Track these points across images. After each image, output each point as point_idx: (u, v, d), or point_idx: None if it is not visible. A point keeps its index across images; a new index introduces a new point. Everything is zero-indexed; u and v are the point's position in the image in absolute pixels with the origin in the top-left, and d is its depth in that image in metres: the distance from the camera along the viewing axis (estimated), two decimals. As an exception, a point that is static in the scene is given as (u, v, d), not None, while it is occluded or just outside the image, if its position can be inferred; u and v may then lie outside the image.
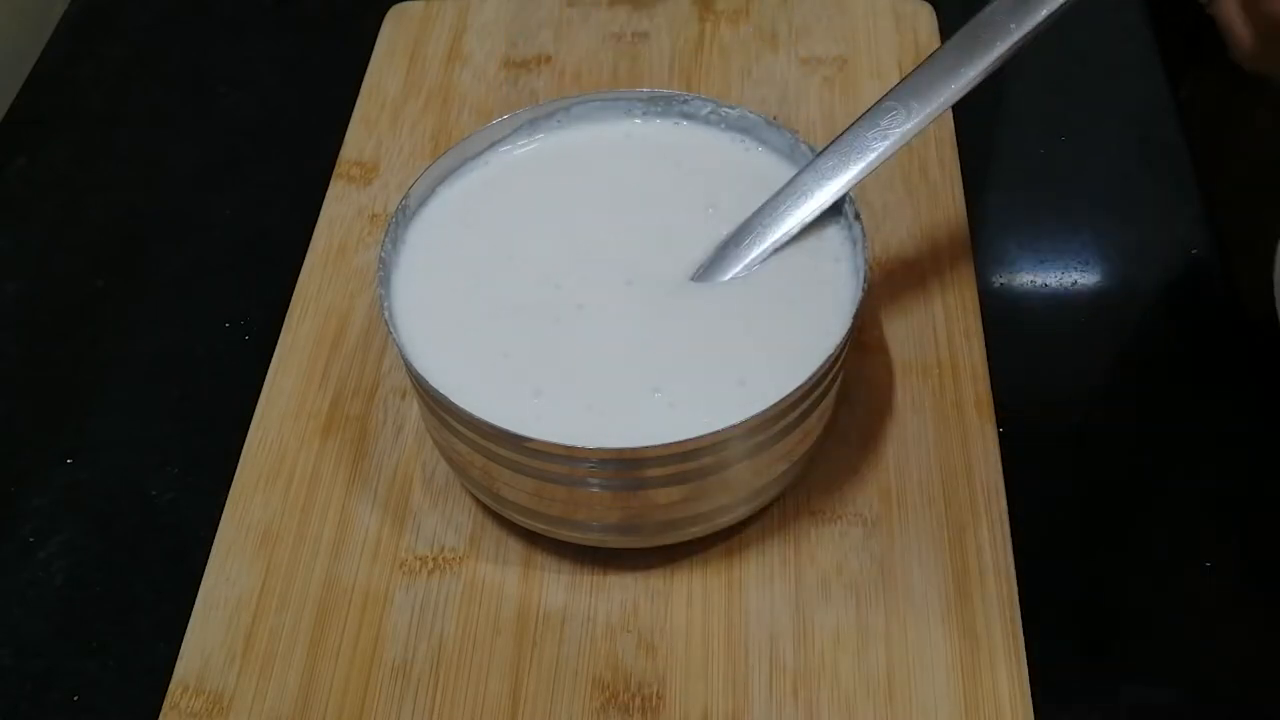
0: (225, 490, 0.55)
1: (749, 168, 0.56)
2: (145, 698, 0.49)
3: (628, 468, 0.47)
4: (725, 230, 0.53)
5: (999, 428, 0.54)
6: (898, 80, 0.66)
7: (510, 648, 0.50)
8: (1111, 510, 0.54)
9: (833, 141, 0.52)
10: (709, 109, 0.56)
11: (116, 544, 0.55)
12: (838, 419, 0.54)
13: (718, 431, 0.45)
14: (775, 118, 0.55)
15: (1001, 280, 0.62)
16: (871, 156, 0.51)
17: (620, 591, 0.51)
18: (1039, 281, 0.62)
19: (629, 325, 0.51)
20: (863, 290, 0.48)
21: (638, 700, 0.48)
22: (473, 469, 0.50)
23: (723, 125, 0.57)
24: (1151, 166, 0.66)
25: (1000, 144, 0.67)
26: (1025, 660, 0.48)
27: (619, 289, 0.52)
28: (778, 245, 0.52)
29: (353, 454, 0.55)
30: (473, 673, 0.49)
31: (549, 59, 0.71)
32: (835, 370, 0.49)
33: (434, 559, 0.52)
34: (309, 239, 0.63)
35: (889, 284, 0.59)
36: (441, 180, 0.55)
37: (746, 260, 0.52)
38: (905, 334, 0.58)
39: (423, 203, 0.54)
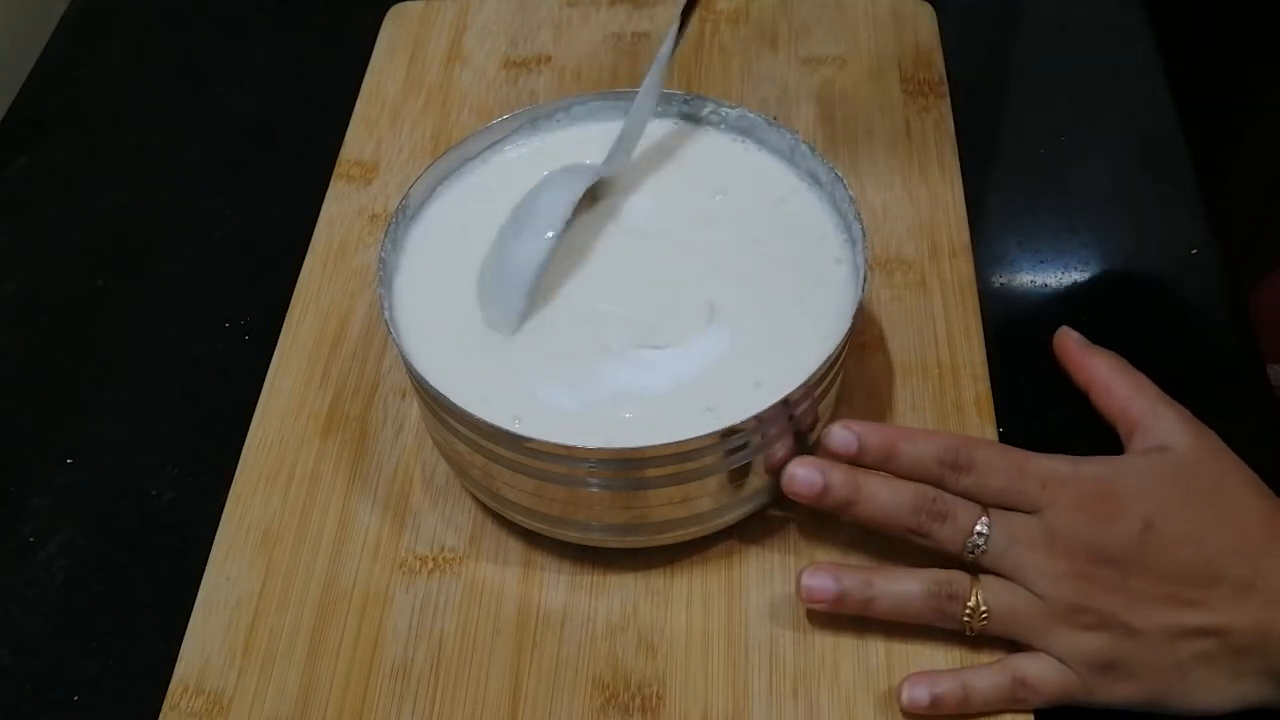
0: (225, 490, 0.55)
1: (749, 168, 0.56)
2: (145, 698, 0.49)
3: (627, 468, 0.47)
4: (724, 232, 0.53)
5: (999, 428, 0.54)
6: (898, 80, 0.67)
7: (510, 648, 0.50)
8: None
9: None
10: (709, 109, 0.56)
11: (116, 544, 0.55)
12: (838, 418, 0.54)
13: (717, 431, 0.45)
14: (775, 118, 0.55)
15: (1001, 280, 0.62)
16: None
17: (620, 591, 0.51)
18: (1039, 281, 0.62)
19: (628, 321, 0.51)
20: (863, 290, 0.48)
21: (638, 700, 0.48)
22: (473, 469, 0.50)
23: (723, 125, 0.57)
24: (1151, 166, 0.66)
25: (1000, 144, 0.67)
26: (1025, 660, 0.48)
27: (617, 287, 0.52)
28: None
29: (353, 454, 0.55)
30: (473, 673, 0.49)
31: (549, 59, 0.71)
32: (835, 370, 0.49)
33: (434, 559, 0.52)
34: (309, 239, 0.63)
35: (889, 284, 0.59)
36: (441, 180, 0.55)
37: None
38: (905, 334, 0.58)
39: (423, 203, 0.54)
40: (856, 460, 0.48)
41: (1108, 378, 0.50)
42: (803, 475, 0.48)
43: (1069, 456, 0.48)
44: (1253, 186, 0.87)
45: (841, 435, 0.48)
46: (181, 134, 0.72)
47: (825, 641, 0.49)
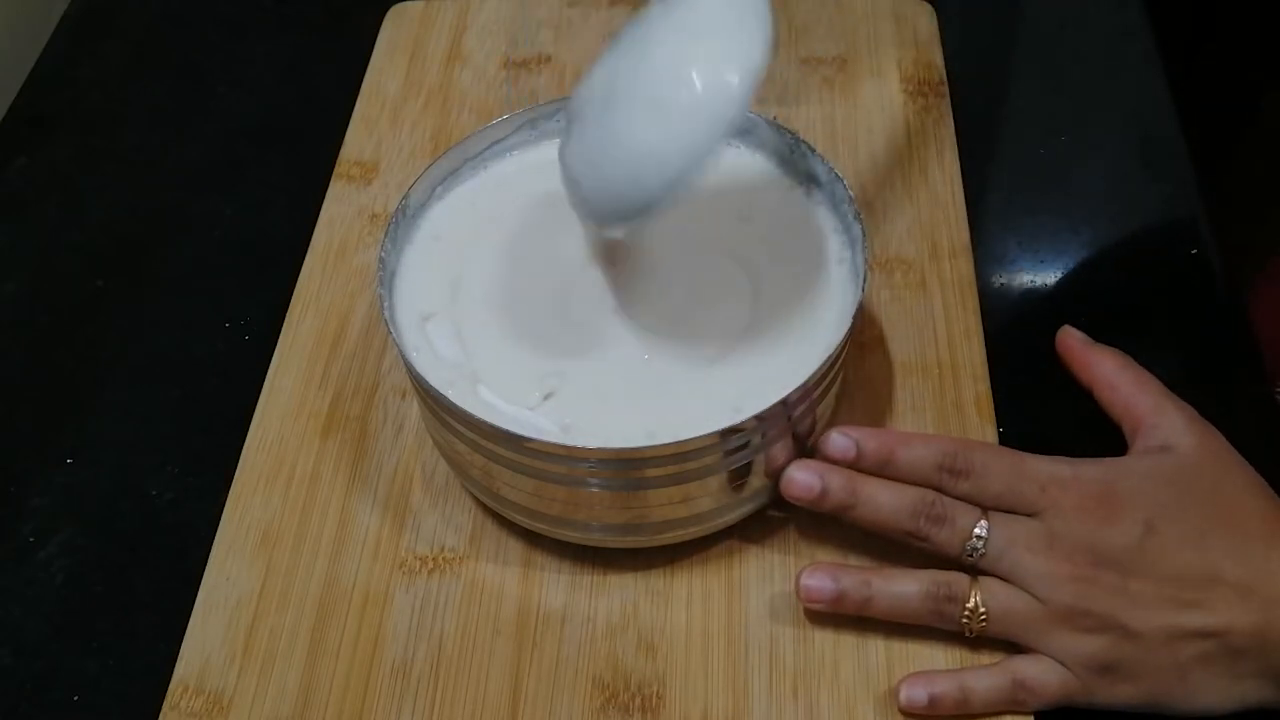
0: (225, 490, 0.55)
1: (748, 168, 0.56)
2: (145, 698, 0.49)
3: (627, 468, 0.47)
4: (723, 232, 0.53)
5: (999, 428, 0.54)
6: (898, 80, 0.67)
7: (510, 648, 0.50)
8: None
9: None
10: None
11: (116, 544, 0.55)
12: (838, 419, 0.54)
13: (717, 431, 0.45)
14: (775, 118, 0.55)
15: (1001, 280, 0.62)
16: None
17: (620, 591, 0.51)
18: (1039, 281, 0.62)
19: (626, 318, 0.51)
20: (863, 290, 0.48)
21: (638, 700, 0.48)
22: (473, 469, 0.50)
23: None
24: (1151, 166, 0.66)
25: (1000, 144, 0.67)
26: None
27: (616, 284, 0.52)
28: None
29: (353, 454, 0.55)
30: (473, 673, 0.49)
31: (549, 59, 0.71)
32: (835, 370, 0.49)
33: (434, 559, 0.52)
34: (309, 239, 0.63)
35: (889, 284, 0.59)
36: (441, 180, 0.55)
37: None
38: (905, 334, 0.58)
39: (423, 203, 0.54)
40: (855, 465, 0.48)
41: (1112, 375, 0.50)
42: (801, 479, 0.48)
43: (1068, 458, 0.48)
44: (1253, 187, 0.87)
45: (840, 441, 0.48)
46: (181, 134, 0.72)
47: (825, 641, 0.49)
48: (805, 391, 0.47)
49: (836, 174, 0.52)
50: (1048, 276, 0.62)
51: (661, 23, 0.46)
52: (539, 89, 0.69)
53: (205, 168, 0.70)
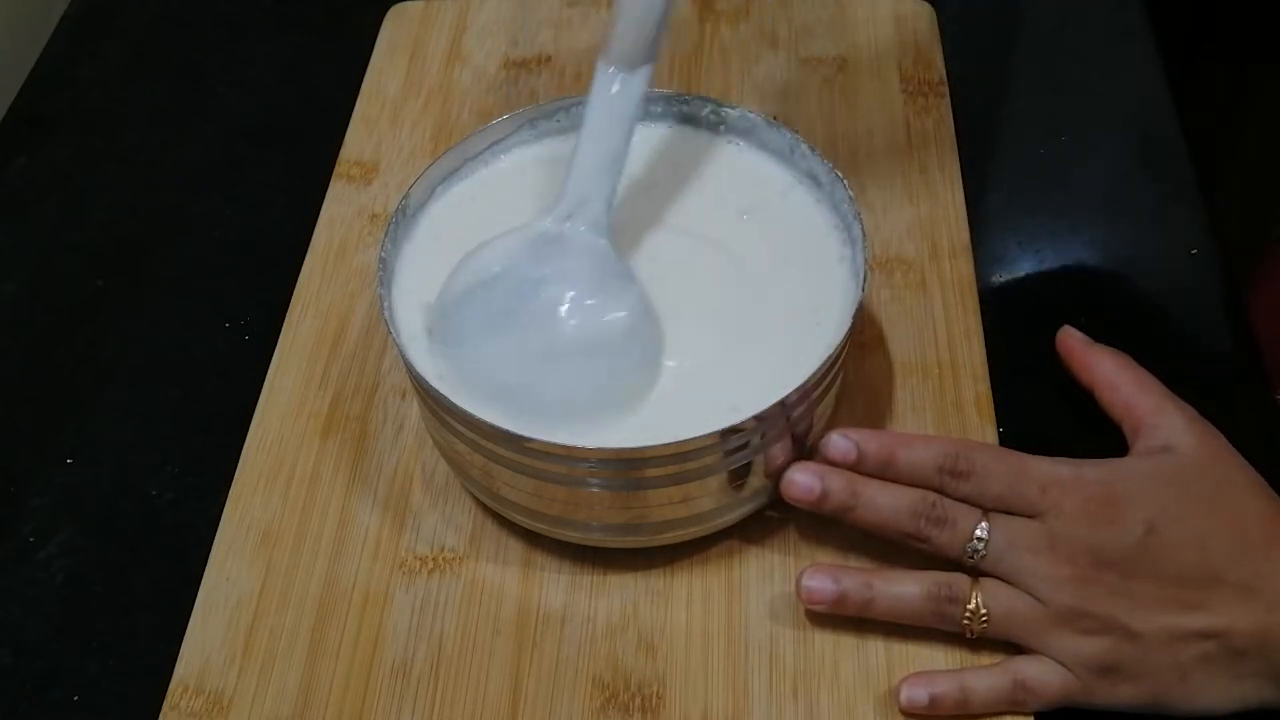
0: (225, 490, 0.55)
1: (747, 169, 0.56)
2: (145, 698, 0.49)
3: (627, 468, 0.47)
4: (723, 232, 0.53)
5: (999, 428, 0.54)
6: (898, 80, 0.67)
7: (510, 648, 0.50)
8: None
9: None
10: (708, 109, 0.56)
11: (116, 544, 0.55)
12: (838, 419, 0.54)
13: (717, 432, 0.45)
14: (775, 118, 0.55)
15: (1001, 280, 0.62)
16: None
17: (620, 591, 0.51)
18: (1039, 281, 0.62)
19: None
20: (863, 290, 0.48)
21: (638, 700, 0.48)
22: (473, 469, 0.50)
23: (722, 126, 0.57)
24: (1151, 166, 0.66)
25: (1000, 144, 0.67)
26: (1025, 660, 0.48)
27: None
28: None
29: (353, 454, 0.55)
30: (473, 673, 0.49)
31: (549, 59, 0.71)
32: (835, 370, 0.49)
33: (434, 559, 0.52)
34: (309, 239, 0.63)
35: (889, 284, 0.59)
36: (441, 180, 0.55)
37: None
38: (905, 334, 0.58)
39: (423, 203, 0.54)
40: (855, 468, 0.48)
41: (1113, 375, 0.50)
42: (801, 481, 0.48)
43: (1069, 460, 0.48)
44: (1253, 186, 0.87)
45: (840, 443, 0.48)
46: (181, 134, 0.72)
47: (825, 641, 0.49)
48: (805, 392, 0.47)
49: (836, 174, 0.52)
50: (1048, 276, 0.62)
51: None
52: (539, 89, 0.69)
53: (205, 168, 0.70)
